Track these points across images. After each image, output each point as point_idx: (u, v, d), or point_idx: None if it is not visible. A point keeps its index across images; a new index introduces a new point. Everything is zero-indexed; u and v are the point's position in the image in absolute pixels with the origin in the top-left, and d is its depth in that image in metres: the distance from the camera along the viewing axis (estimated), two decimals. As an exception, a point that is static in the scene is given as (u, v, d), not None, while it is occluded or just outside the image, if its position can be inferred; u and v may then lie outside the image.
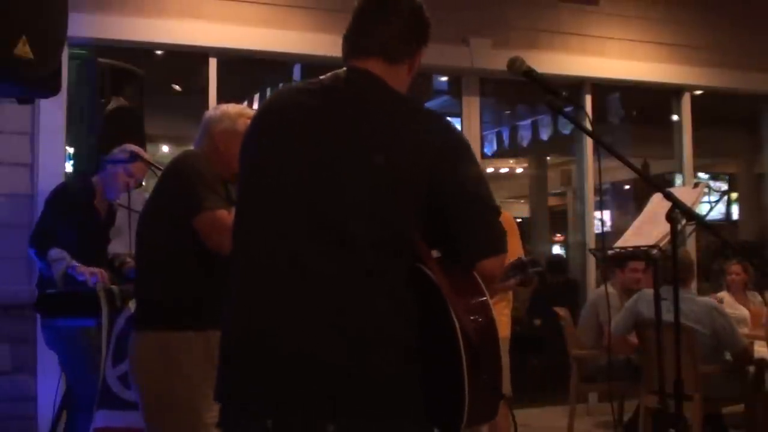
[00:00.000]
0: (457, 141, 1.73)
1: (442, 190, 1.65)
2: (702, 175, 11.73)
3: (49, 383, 4.31)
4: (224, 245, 2.54)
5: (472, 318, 1.59)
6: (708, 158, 10.64)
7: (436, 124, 1.74)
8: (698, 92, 7.05)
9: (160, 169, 3.24)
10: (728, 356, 4.68)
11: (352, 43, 1.80)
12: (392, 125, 1.69)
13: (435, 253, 1.68)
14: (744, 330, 5.02)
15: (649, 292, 4.57)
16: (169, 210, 2.67)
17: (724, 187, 12.61)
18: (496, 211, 1.71)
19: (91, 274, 3.59)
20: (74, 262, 3.66)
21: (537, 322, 7.84)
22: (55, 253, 3.69)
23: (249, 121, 2.84)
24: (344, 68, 1.79)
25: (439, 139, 1.70)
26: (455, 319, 1.55)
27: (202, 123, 2.86)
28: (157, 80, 5.93)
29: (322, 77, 1.79)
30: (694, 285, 5.67)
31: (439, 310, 1.57)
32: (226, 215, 2.53)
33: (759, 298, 5.74)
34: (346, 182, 1.64)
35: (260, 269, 1.68)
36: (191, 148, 2.87)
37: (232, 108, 2.88)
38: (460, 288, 1.62)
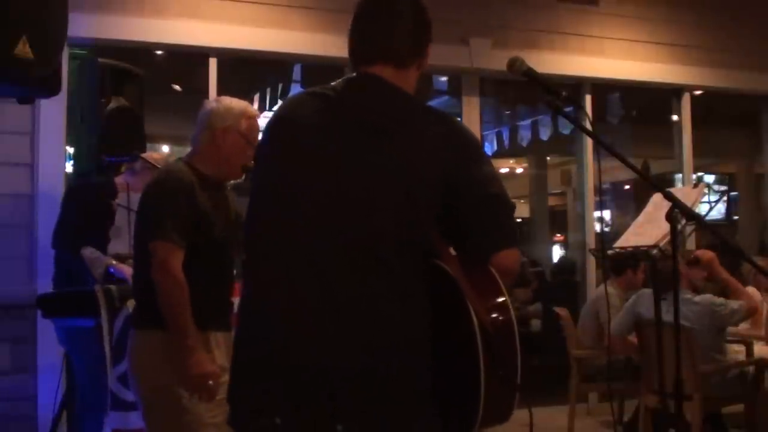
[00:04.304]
0: (471, 140, 1.78)
1: (457, 188, 1.68)
2: (706, 177, 11.74)
3: (49, 383, 4.31)
4: (158, 277, 2.57)
5: (490, 314, 1.60)
6: (708, 158, 10.64)
7: (449, 125, 1.78)
8: (698, 92, 7.04)
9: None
10: (728, 357, 4.68)
11: (360, 51, 1.81)
12: (407, 129, 1.71)
13: (452, 251, 1.70)
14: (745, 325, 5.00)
15: (648, 292, 4.57)
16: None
17: (724, 187, 12.62)
18: (510, 207, 1.74)
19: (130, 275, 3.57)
20: (113, 260, 3.63)
21: (537, 322, 7.85)
22: (90, 252, 3.64)
23: (251, 122, 2.84)
24: (355, 74, 1.80)
25: (453, 139, 1.74)
26: (473, 314, 1.56)
27: (203, 114, 2.83)
28: (157, 80, 5.94)
29: (333, 84, 1.80)
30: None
31: (456, 305, 1.58)
32: (169, 250, 2.58)
33: None
34: (366, 187, 1.65)
35: (275, 273, 1.68)
36: (191, 148, 2.87)
37: (235, 104, 2.84)
38: (479, 285, 1.63)
